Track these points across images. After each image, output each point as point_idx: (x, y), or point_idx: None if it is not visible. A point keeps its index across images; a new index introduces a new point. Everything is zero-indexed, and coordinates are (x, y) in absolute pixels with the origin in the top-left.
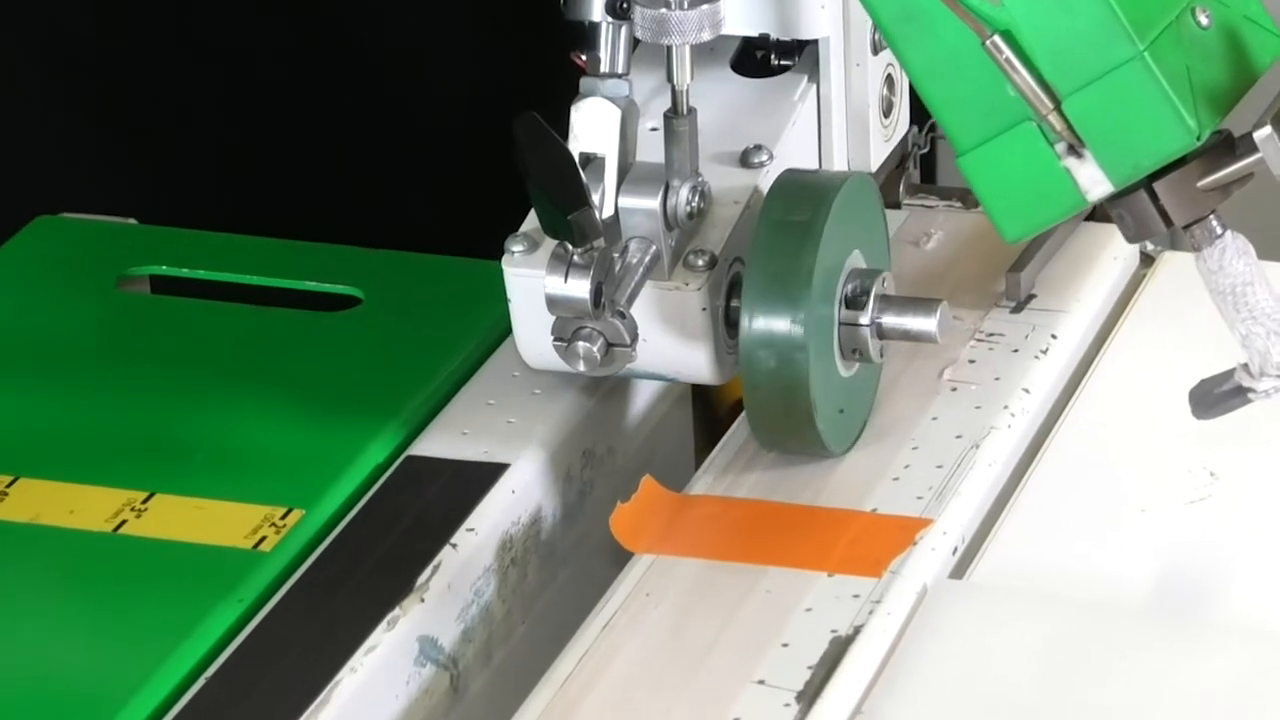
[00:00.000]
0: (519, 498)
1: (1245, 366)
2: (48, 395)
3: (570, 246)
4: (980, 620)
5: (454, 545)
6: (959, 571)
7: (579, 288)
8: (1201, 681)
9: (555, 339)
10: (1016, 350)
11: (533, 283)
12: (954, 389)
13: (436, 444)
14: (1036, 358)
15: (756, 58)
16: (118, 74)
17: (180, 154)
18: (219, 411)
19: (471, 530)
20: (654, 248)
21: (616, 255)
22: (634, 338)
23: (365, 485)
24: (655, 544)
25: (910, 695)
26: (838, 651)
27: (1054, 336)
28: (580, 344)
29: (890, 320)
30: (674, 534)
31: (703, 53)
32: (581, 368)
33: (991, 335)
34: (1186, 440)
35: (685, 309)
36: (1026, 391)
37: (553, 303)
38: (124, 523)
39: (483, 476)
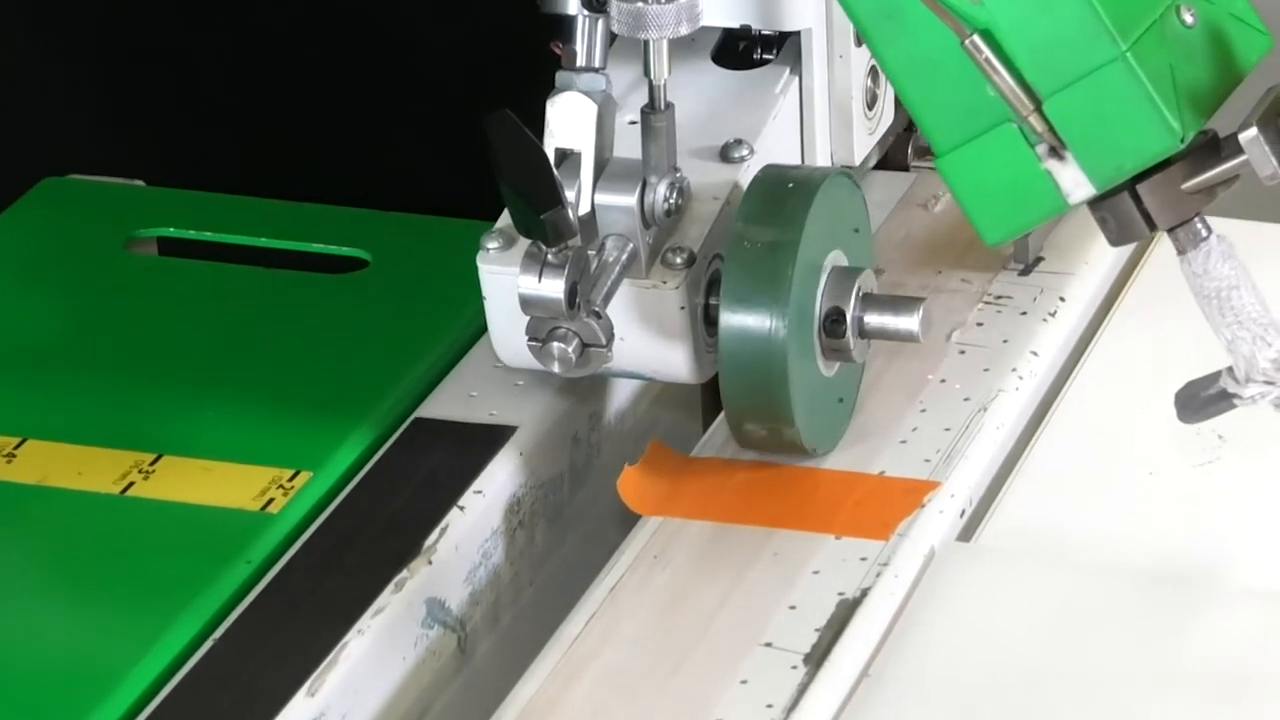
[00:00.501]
0: (526, 460)
1: (1230, 371)
2: (55, 357)
3: (544, 246)
4: (987, 583)
5: (461, 508)
6: (966, 534)
7: (553, 288)
8: (1211, 644)
9: (530, 339)
10: (1024, 313)
11: (507, 280)
12: (962, 351)
13: (444, 406)
14: (1044, 320)
15: (738, 49)
16: (124, 36)
17: (187, 116)
18: (227, 374)
19: (479, 493)
20: (631, 245)
21: (593, 253)
22: (610, 338)
23: (373, 447)
24: (662, 507)
25: (918, 657)
26: (845, 614)
27: (1062, 299)
28: (555, 345)
29: (872, 319)
30: (681, 497)
31: (682, 44)
32: (556, 369)
33: (999, 298)
34: None
35: (663, 308)
36: (1034, 354)
37: (526, 303)
38: (132, 484)
39: (490, 439)
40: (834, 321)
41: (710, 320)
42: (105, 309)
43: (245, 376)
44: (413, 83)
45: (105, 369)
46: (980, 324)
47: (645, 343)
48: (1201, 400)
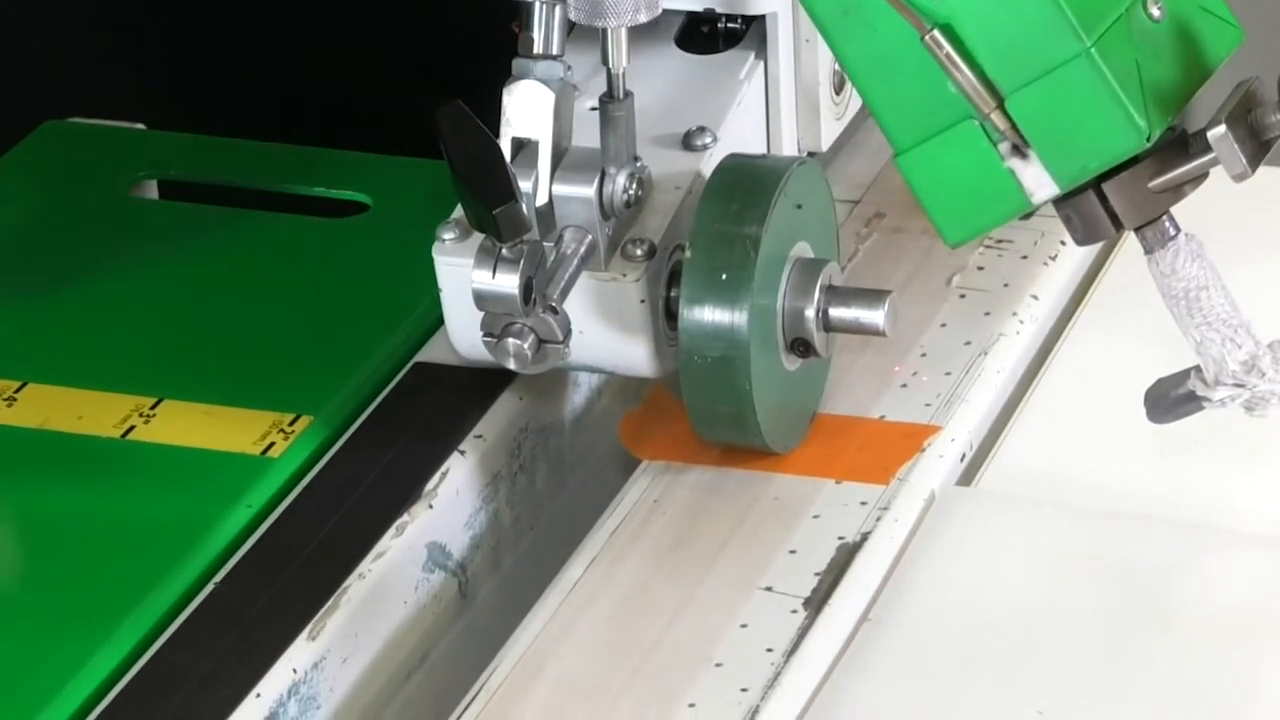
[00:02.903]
0: (527, 404)
1: (1199, 372)
2: (56, 301)
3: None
4: (988, 527)
5: (462, 452)
6: (967, 478)
7: (507, 283)
8: (1212, 588)
9: (484, 335)
10: (1025, 257)
11: (463, 272)
12: (963, 296)
13: (445, 350)
14: (1045, 264)
15: (703, 32)
16: None
17: (188, 58)
18: (227, 317)
19: (480, 437)
20: (590, 237)
21: (550, 245)
22: (566, 334)
23: (374, 391)
24: (662, 451)
25: (918, 602)
26: (845, 558)
27: (1063, 243)
28: (510, 341)
29: (837, 312)
30: (681, 441)
31: (645, 28)
32: (512, 365)
33: (1000, 242)
34: None
35: (623, 301)
36: (1035, 298)
37: (480, 298)
38: (132, 428)
39: (491, 383)
40: (801, 343)
41: (671, 313)
42: (105, 252)
43: (246, 320)
44: (417, 23)
45: (106, 313)
46: (981, 268)
47: (605, 336)
48: (1171, 400)
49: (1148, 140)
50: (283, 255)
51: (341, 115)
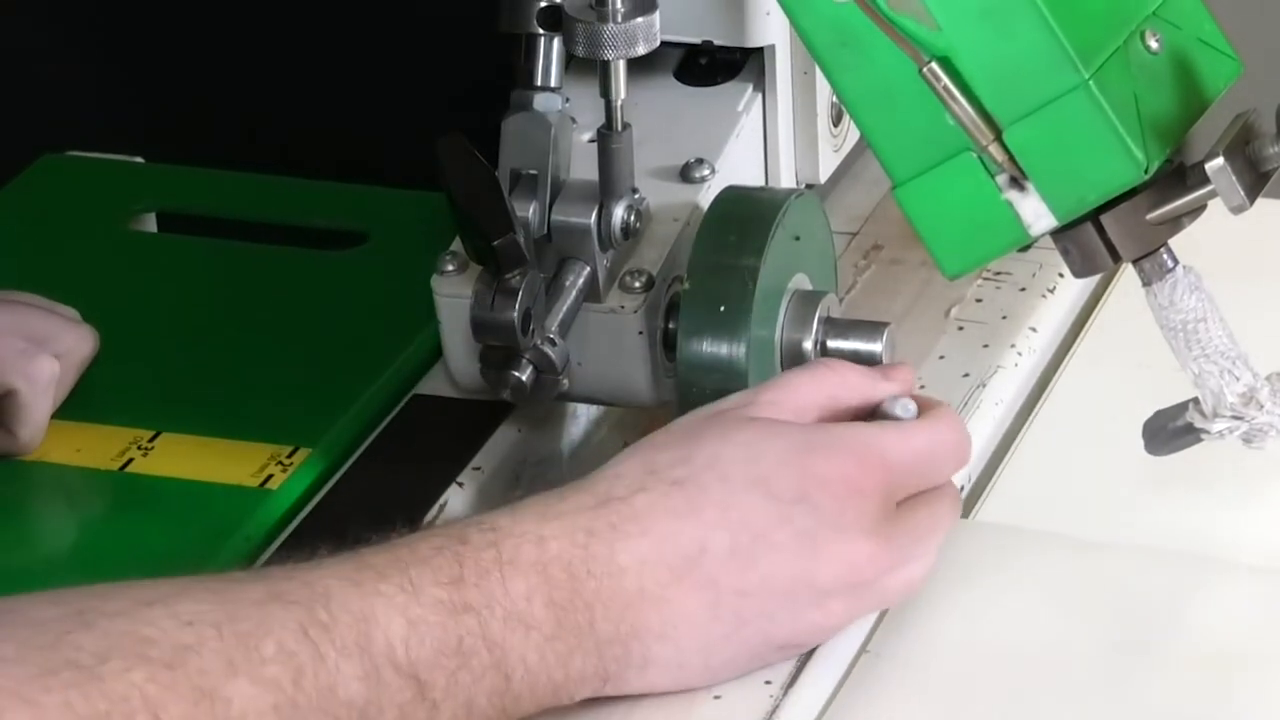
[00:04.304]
0: (525, 436)
1: (1197, 404)
2: None
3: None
4: (986, 559)
5: (460, 484)
6: (965, 510)
7: (506, 314)
8: (1212, 621)
9: (483, 367)
10: (1024, 289)
11: (463, 304)
12: (961, 328)
13: (443, 382)
14: (1043, 296)
15: (701, 65)
16: (121, 10)
17: (186, 92)
18: (225, 350)
19: (478, 469)
20: (588, 269)
21: (549, 277)
22: (565, 365)
23: (371, 423)
24: None
25: (917, 634)
26: None
27: (1061, 275)
28: (508, 373)
29: (835, 344)
30: None
31: (643, 60)
32: (509, 396)
33: (999, 274)
34: None
35: (621, 332)
36: (1033, 330)
37: (479, 329)
38: (130, 461)
39: (489, 415)
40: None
41: (669, 345)
42: (104, 285)
43: (245, 352)
44: (413, 55)
45: (104, 346)
46: (979, 300)
47: (603, 368)
48: (1169, 432)
49: (1146, 172)
50: (281, 287)
51: (339, 147)
